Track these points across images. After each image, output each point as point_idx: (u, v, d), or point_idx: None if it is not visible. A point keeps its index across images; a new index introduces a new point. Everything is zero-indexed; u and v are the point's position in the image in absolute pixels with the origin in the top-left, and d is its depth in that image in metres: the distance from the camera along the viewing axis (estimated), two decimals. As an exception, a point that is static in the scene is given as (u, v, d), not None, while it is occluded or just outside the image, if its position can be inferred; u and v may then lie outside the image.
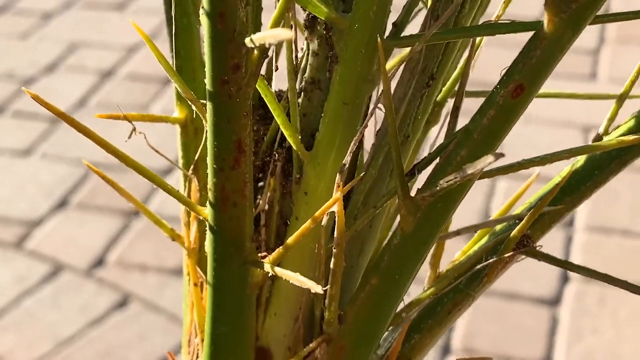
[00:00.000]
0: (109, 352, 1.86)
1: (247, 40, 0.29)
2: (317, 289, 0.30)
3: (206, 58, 0.31)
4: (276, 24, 0.30)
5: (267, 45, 0.28)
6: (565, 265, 0.38)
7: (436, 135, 0.38)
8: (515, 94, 0.32)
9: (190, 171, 0.40)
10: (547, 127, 2.39)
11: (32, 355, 1.85)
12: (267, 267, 0.33)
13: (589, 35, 2.62)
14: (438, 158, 0.35)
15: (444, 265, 0.41)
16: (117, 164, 2.08)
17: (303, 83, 0.36)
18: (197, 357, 0.40)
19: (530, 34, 0.32)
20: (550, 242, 2.03)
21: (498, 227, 0.39)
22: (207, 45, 0.31)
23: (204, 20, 0.30)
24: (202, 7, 0.30)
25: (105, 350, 1.86)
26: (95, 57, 2.71)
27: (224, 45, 0.30)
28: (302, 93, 0.36)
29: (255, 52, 0.31)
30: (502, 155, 0.27)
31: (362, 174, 0.35)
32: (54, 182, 2.24)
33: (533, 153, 0.45)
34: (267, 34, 0.27)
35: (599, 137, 0.38)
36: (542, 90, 0.33)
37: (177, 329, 1.88)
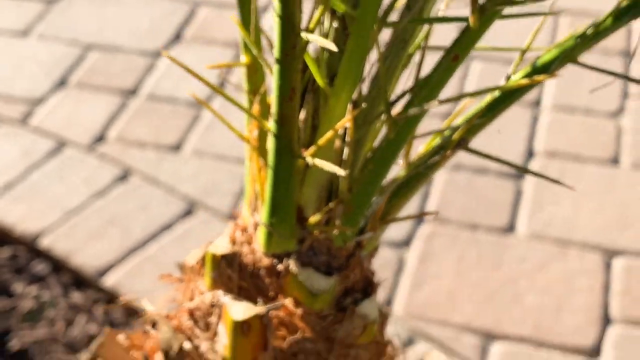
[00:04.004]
0: (112, 221, 2.13)
1: (302, 34, 0.56)
2: (341, 172, 0.58)
3: (276, 41, 0.58)
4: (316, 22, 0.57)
5: (311, 41, 0.55)
6: (487, 157, 0.66)
7: (408, 75, 0.65)
8: (454, 60, 0.59)
9: (257, 97, 0.67)
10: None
11: (42, 224, 2.12)
12: (308, 159, 0.61)
13: None
14: (408, 94, 0.62)
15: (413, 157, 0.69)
16: (111, 44, 2.46)
17: (327, 46, 0.63)
18: (258, 212, 0.68)
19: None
20: (518, 120, 2.31)
21: (446, 132, 0.67)
22: (277, 34, 0.58)
23: (275, 22, 0.57)
24: (275, 12, 0.57)
25: (109, 219, 2.13)
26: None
27: (289, 34, 0.57)
28: (326, 52, 0.63)
29: (305, 39, 0.58)
30: (446, 101, 0.54)
31: (362, 104, 0.63)
32: (53, 61, 2.49)
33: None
34: (317, 39, 0.54)
35: (508, 77, 0.65)
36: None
37: (175, 200, 2.15)
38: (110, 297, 2.01)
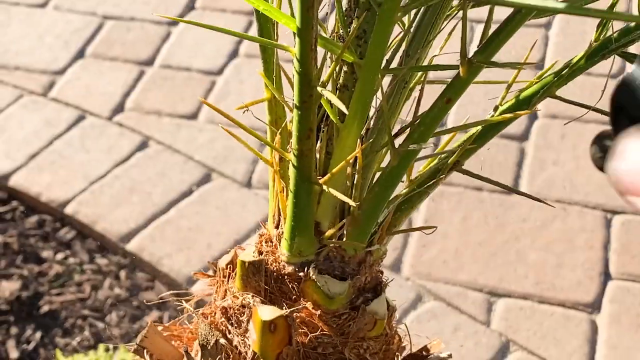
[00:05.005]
0: (134, 187, 2.26)
1: (318, 88, 0.67)
2: (350, 202, 0.69)
3: (295, 91, 0.69)
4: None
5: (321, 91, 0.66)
6: (480, 177, 0.77)
7: (409, 108, 0.76)
8: (447, 102, 0.70)
9: (278, 130, 0.78)
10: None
11: (67, 191, 2.25)
12: (324, 187, 0.73)
13: None
14: (409, 129, 0.73)
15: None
16: (126, 15, 2.62)
17: (338, 86, 0.74)
18: (280, 226, 0.80)
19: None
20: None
21: (442, 155, 0.78)
22: (295, 86, 0.68)
23: (294, 76, 0.68)
24: (294, 68, 0.67)
25: (130, 186, 2.26)
26: None
27: (306, 87, 0.68)
28: (338, 91, 0.74)
29: (319, 92, 0.69)
30: (434, 144, 0.65)
31: (370, 138, 0.74)
32: (70, 33, 2.59)
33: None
34: (329, 95, 0.65)
35: (496, 108, 0.76)
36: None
37: (192, 167, 2.28)
38: (134, 261, 2.14)
